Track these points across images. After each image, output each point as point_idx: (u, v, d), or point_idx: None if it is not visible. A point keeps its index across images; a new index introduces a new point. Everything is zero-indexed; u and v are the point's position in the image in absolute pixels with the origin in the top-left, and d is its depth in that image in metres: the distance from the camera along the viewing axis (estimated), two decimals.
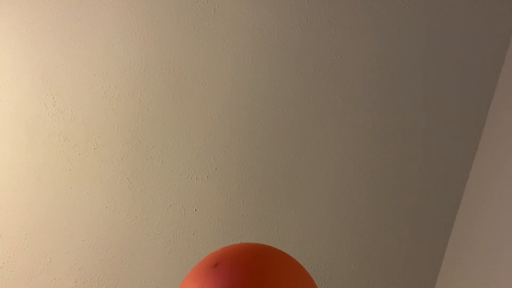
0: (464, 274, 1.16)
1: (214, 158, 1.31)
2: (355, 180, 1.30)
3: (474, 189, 1.23)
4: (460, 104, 1.26)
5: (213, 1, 1.26)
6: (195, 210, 1.31)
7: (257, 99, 1.29)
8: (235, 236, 1.31)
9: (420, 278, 1.31)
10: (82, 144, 1.31)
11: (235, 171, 1.31)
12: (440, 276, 1.30)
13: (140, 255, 1.33)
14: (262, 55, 1.28)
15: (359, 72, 1.27)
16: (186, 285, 0.47)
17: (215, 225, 1.31)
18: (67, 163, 1.31)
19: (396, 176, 1.29)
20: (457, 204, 1.29)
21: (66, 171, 1.32)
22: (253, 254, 0.48)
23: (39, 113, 1.30)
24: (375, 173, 1.30)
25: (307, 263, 1.30)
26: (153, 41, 1.28)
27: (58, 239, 1.33)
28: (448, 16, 1.23)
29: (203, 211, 1.31)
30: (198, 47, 1.28)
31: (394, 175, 1.29)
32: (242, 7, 1.26)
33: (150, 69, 1.28)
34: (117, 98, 1.30)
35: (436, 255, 1.30)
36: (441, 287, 1.28)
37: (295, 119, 1.29)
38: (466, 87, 1.25)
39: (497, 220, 1.06)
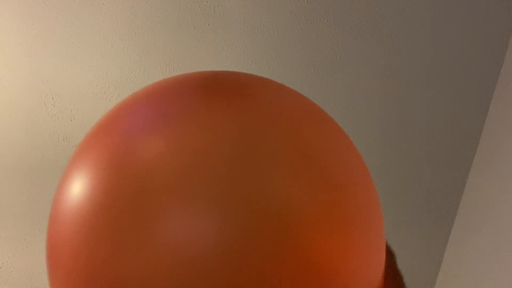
0: (464, 274, 1.16)
1: None
2: None
3: (474, 188, 1.23)
4: (460, 104, 1.26)
5: (213, 1, 1.26)
6: None
7: None
8: None
9: (420, 278, 1.31)
10: None
11: None
12: (440, 275, 1.30)
13: None
14: (262, 55, 1.28)
15: (359, 72, 1.27)
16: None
17: None
18: (67, 163, 1.31)
19: (396, 175, 1.29)
20: (457, 204, 1.29)
21: None
22: None
23: (39, 113, 1.30)
24: (374, 172, 1.29)
25: None
26: (153, 41, 1.27)
27: None
28: (448, 16, 1.23)
29: None
30: (198, 47, 1.28)
31: (393, 174, 1.29)
32: (242, 7, 1.26)
33: (150, 69, 1.28)
34: (117, 98, 1.30)
35: (436, 255, 1.30)
36: (441, 286, 1.28)
37: None
38: (466, 87, 1.25)
39: (497, 219, 1.06)
